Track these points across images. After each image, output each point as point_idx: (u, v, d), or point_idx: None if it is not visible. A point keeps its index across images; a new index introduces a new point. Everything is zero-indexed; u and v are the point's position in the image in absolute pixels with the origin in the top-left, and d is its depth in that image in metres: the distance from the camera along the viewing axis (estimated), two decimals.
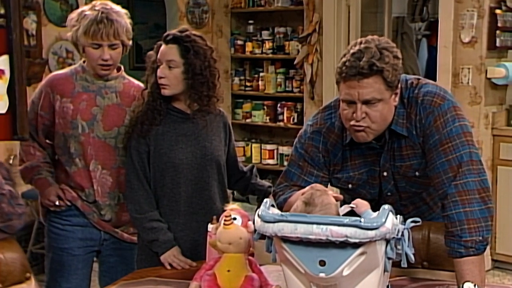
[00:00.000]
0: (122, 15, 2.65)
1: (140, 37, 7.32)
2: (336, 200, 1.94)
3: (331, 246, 1.71)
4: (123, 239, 2.77)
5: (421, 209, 2.36)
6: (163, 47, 2.52)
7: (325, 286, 1.78)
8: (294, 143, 2.35)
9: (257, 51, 6.29)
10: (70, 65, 4.12)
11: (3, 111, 1.88)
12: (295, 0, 6.02)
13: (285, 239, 1.76)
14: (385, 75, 2.02)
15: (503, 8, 4.90)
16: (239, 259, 2.00)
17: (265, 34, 6.29)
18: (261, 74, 6.33)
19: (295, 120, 6.06)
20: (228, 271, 1.98)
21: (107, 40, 2.58)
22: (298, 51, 5.84)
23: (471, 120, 4.64)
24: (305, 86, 5.89)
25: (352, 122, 2.09)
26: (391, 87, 2.07)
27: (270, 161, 6.24)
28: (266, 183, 2.84)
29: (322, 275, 1.73)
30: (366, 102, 2.05)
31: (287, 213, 1.83)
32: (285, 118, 6.14)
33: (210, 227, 2.15)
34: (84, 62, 2.72)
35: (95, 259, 2.82)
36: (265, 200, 1.86)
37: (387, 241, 1.78)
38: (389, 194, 2.29)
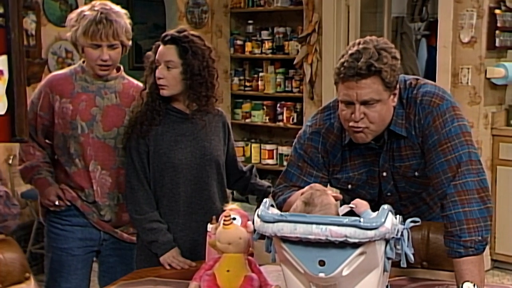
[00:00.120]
0: (122, 15, 2.65)
1: (140, 37, 7.31)
2: (336, 200, 1.94)
3: (331, 246, 1.71)
4: (123, 239, 2.77)
5: (421, 209, 2.36)
6: (161, 47, 2.52)
7: (324, 286, 1.78)
8: (294, 143, 2.35)
9: (256, 51, 6.29)
10: (69, 65, 4.13)
11: (2, 112, 1.86)
12: (294, 0, 6.02)
13: (285, 239, 1.76)
14: (383, 75, 2.02)
15: (503, 8, 4.90)
16: (239, 259, 2.00)
17: (264, 34, 6.29)
18: (260, 74, 6.33)
19: (295, 120, 6.06)
20: (228, 271, 1.98)
21: (106, 41, 2.58)
22: (298, 51, 5.84)
23: (470, 120, 4.65)
24: (304, 86, 5.89)
25: (351, 124, 2.09)
26: (390, 87, 2.07)
27: (270, 161, 6.25)
28: (265, 183, 2.84)
29: (321, 275, 1.73)
30: (365, 103, 2.05)
31: (287, 213, 1.83)
32: (284, 118, 6.15)
33: (210, 227, 2.15)
34: (83, 62, 2.72)
35: (94, 259, 2.82)
36: (264, 200, 1.86)
37: (387, 241, 1.78)
38: (388, 194, 2.29)
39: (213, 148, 2.57)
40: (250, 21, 6.47)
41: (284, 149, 6.09)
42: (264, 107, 6.31)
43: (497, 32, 4.86)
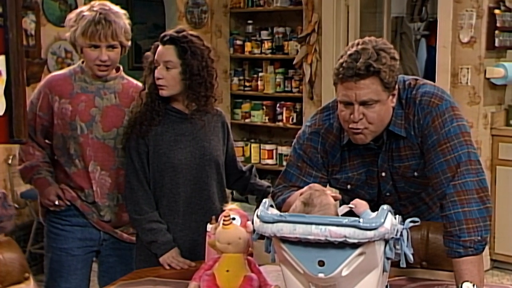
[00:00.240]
0: (121, 15, 2.64)
1: (139, 37, 7.32)
2: (335, 200, 1.94)
3: (330, 247, 1.71)
4: (123, 239, 2.77)
5: (420, 209, 2.36)
6: (160, 48, 2.52)
7: (324, 287, 1.78)
8: (293, 144, 2.35)
9: (256, 51, 6.29)
10: (69, 65, 4.13)
11: (0, 113, 1.85)
12: (294, 0, 6.02)
13: (284, 240, 1.76)
14: (382, 76, 2.02)
15: (502, 8, 4.90)
16: (238, 259, 1.99)
17: (264, 34, 6.29)
18: (260, 74, 6.33)
19: (294, 120, 6.06)
20: (227, 271, 1.98)
21: (105, 41, 2.58)
22: (297, 51, 5.84)
23: (470, 120, 4.65)
24: (304, 86, 5.89)
25: (351, 125, 2.09)
26: (388, 88, 2.07)
27: (269, 161, 6.25)
28: (265, 183, 2.84)
29: (321, 275, 1.73)
30: (363, 103, 2.05)
31: (286, 213, 1.83)
32: (284, 118, 6.14)
33: (209, 227, 2.15)
34: (82, 62, 2.71)
35: (94, 259, 2.82)
36: (264, 200, 1.86)
37: (386, 241, 1.78)
38: (388, 194, 2.29)
39: (213, 148, 2.57)
40: (249, 21, 6.47)
41: (284, 149, 6.09)
42: (264, 107, 6.31)
43: (496, 32, 4.86)
